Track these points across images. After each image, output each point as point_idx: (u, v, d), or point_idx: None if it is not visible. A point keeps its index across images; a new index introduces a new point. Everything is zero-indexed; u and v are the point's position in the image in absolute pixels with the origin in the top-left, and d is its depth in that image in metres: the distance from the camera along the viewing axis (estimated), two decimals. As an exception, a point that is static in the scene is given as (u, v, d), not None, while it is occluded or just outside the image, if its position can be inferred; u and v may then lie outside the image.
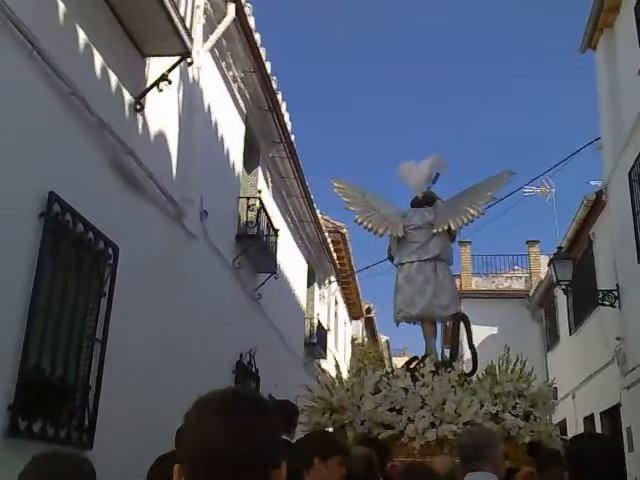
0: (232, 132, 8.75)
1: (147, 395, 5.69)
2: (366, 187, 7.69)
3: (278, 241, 10.32)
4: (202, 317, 7.19)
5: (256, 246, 8.96)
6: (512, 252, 22.22)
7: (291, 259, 12.74)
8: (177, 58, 5.66)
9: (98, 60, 4.96)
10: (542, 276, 18.50)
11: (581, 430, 14.45)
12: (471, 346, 6.93)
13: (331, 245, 15.93)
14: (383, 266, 20.17)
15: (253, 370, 9.59)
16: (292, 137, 10.54)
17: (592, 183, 14.56)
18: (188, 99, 6.72)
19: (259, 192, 9.23)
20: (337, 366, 7.35)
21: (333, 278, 17.58)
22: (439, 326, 7.78)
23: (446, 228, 6.91)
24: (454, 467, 3.83)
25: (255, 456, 1.12)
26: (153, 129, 5.89)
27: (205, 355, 7.29)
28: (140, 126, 5.60)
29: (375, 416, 5.91)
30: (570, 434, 15.40)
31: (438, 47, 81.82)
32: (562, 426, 15.24)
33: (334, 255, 16.32)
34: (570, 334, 15.32)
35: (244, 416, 1.17)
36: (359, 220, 7.15)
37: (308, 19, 74.34)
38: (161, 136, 6.10)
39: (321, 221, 14.45)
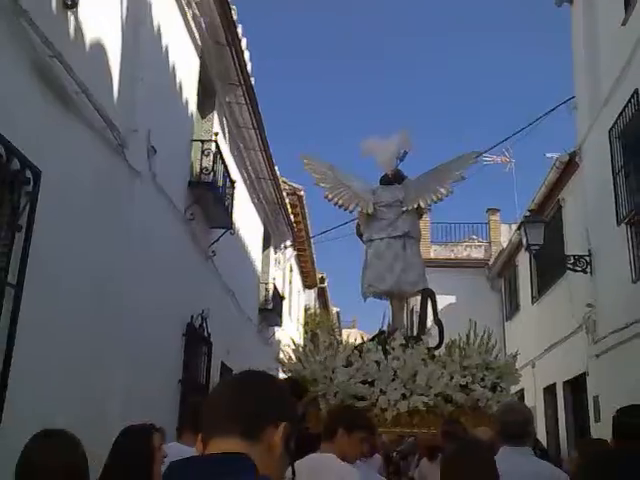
0: (185, 64, 7.71)
1: (76, 359, 4.76)
2: (332, 159, 7.50)
3: (235, 194, 9.38)
4: (146, 268, 6.21)
5: (211, 196, 8.00)
6: (471, 221, 21.83)
7: (247, 218, 11.80)
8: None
9: None
10: (504, 244, 18.11)
11: (540, 400, 14.20)
12: (437, 321, 7.03)
13: (289, 208, 15.06)
14: (336, 233, 19.49)
15: (205, 334, 8.71)
16: (252, 80, 9.54)
17: (548, 155, 14.17)
18: (133, 7, 5.65)
19: (215, 135, 8.23)
20: (313, 338, 7.25)
21: (289, 243, 16.73)
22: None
23: (416, 206, 7.06)
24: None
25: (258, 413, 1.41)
26: (89, 35, 4.83)
27: (150, 314, 6.36)
28: (71, 27, 4.53)
29: (348, 388, 6.05)
30: (528, 404, 15.19)
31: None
32: (520, 397, 14.94)
33: (291, 218, 15.45)
34: (532, 303, 14.97)
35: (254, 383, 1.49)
36: (329, 197, 7.17)
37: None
38: (99, 46, 5.04)
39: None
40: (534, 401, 14.66)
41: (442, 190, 7.04)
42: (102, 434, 4.88)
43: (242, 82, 9.11)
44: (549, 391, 13.63)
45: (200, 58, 8.32)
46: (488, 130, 67.83)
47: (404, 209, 7.08)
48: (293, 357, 6.75)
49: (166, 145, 6.75)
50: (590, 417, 10.51)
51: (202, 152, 7.93)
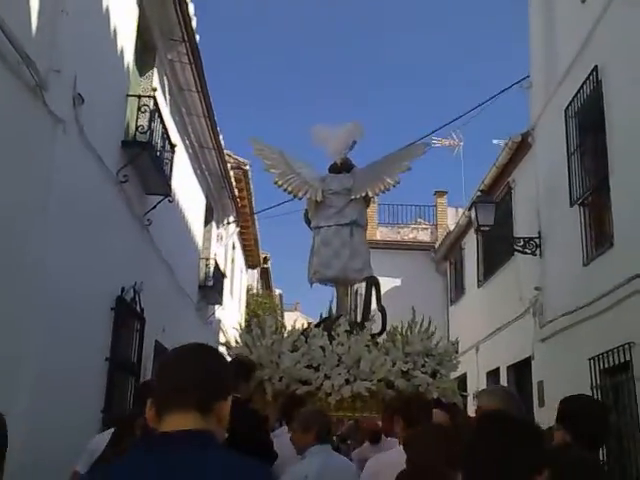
0: (120, 10, 6.94)
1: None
2: (281, 133, 7.44)
3: (174, 160, 8.71)
4: (68, 230, 5.52)
5: (147, 157, 7.32)
6: (417, 203, 21.59)
7: (188, 188, 11.13)
8: None
9: None
10: (451, 227, 17.95)
11: (483, 384, 14.08)
12: (381, 308, 7.19)
13: (233, 181, 14.41)
14: (282, 209, 18.94)
15: (137, 309, 8.07)
16: (197, 38, 8.84)
17: (495, 141, 14.02)
18: None
19: (154, 90, 7.54)
20: (255, 319, 7.48)
21: (232, 218, 16.08)
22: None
23: (364, 195, 7.20)
24: None
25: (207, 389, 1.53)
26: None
27: (72, 282, 5.69)
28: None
29: (294, 373, 6.17)
30: (470, 388, 15.09)
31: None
32: (462, 381, 14.82)
33: (236, 192, 14.80)
34: (478, 286, 14.81)
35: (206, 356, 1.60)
36: (279, 183, 7.26)
37: None
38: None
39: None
40: (477, 385, 14.54)
41: (389, 180, 7.13)
42: (8, 409, 4.27)
43: (186, 39, 8.42)
44: (492, 375, 13.51)
45: (139, 6, 7.59)
46: (439, 111, 67.65)
47: (352, 197, 7.17)
48: (240, 341, 6.79)
49: (96, 96, 6.06)
50: (534, 402, 10.40)
51: (138, 109, 7.23)
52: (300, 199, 7.38)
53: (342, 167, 7.51)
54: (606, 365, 7.55)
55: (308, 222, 7.58)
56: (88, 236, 6.15)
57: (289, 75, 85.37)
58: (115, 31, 6.66)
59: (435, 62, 77.68)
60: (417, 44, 76.85)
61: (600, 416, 2.97)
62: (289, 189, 7.26)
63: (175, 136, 9.38)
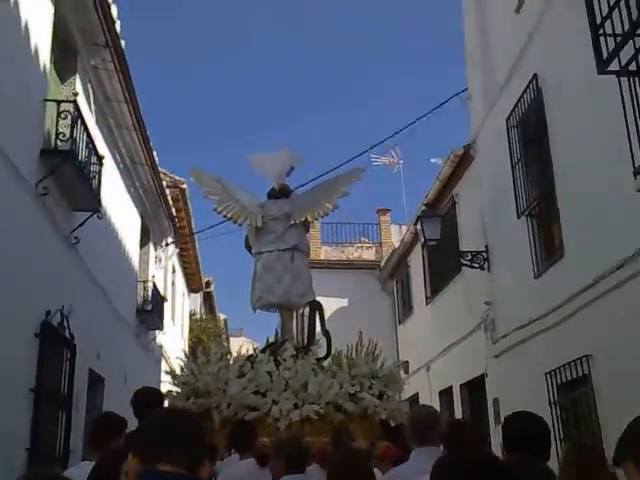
0: (31, 7, 6.29)
1: None
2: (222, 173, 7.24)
3: (103, 174, 8.07)
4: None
5: (71, 168, 6.67)
6: (360, 221, 21.20)
7: (121, 206, 10.44)
8: None
9: None
10: (396, 244, 17.69)
11: (436, 404, 13.74)
12: (325, 332, 7.25)
13: (170, 200, 13.76)
14: (222, 229, 18.24)
15: (67, 334, 7.36)
16: (122, 43, 8.27)
17: (433, 160, 13.96)
18: None
19: (75, 95, 6.92)
20: (198, 345, 6.93)
21: (171, 239, 15.38)
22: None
23: (303, 220, 7.34)
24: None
25: None
26: None
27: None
28: None
29: (241, 399, 6.15)
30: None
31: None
32: (414, 401, 14.44)
33: (173, 212, 14.15)
34: (426, 304, 14.52)
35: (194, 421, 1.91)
36: (219, 209, 7.33)
37: None
38: None
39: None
40: (430, 404, 14.20)
41: (328, 205, 7.28)
42: None
43: (110, 43, 7.81)
44: (445, 394, 13.15)
45: (54, 5, 6.95)
46: (377, 131, 66.94)
47: (292, 222, 7.28)
48: (185, 369, 6.80)
49: (7, 99, 5.44)
50: (490, 420, 10.09)
51: (59, 115, 6.59)
52: (240, 225, 7.41)
53: (280, 193, 7.59)
54: (563, 379, 7.27)
55: (249, 248, 7.60)
56: (3, 253, 5.47)
57: (227, 90, 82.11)
58: (27, 28, 6.00)
59: (370, 81, 76.90)
60: (349, 64, 76.17)
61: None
62: (229, 215, 7.30)
63: (103, 149, 8.74)
